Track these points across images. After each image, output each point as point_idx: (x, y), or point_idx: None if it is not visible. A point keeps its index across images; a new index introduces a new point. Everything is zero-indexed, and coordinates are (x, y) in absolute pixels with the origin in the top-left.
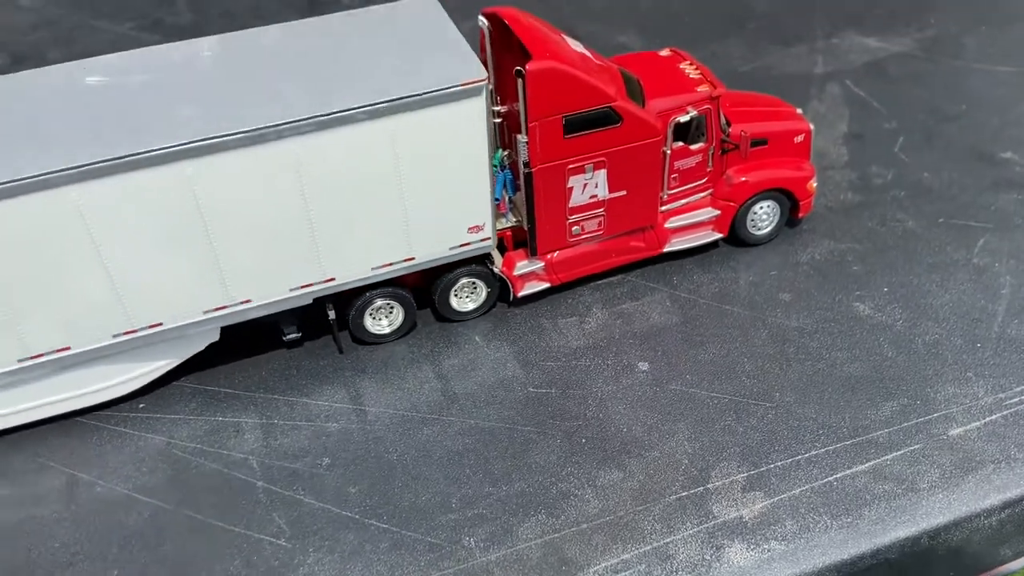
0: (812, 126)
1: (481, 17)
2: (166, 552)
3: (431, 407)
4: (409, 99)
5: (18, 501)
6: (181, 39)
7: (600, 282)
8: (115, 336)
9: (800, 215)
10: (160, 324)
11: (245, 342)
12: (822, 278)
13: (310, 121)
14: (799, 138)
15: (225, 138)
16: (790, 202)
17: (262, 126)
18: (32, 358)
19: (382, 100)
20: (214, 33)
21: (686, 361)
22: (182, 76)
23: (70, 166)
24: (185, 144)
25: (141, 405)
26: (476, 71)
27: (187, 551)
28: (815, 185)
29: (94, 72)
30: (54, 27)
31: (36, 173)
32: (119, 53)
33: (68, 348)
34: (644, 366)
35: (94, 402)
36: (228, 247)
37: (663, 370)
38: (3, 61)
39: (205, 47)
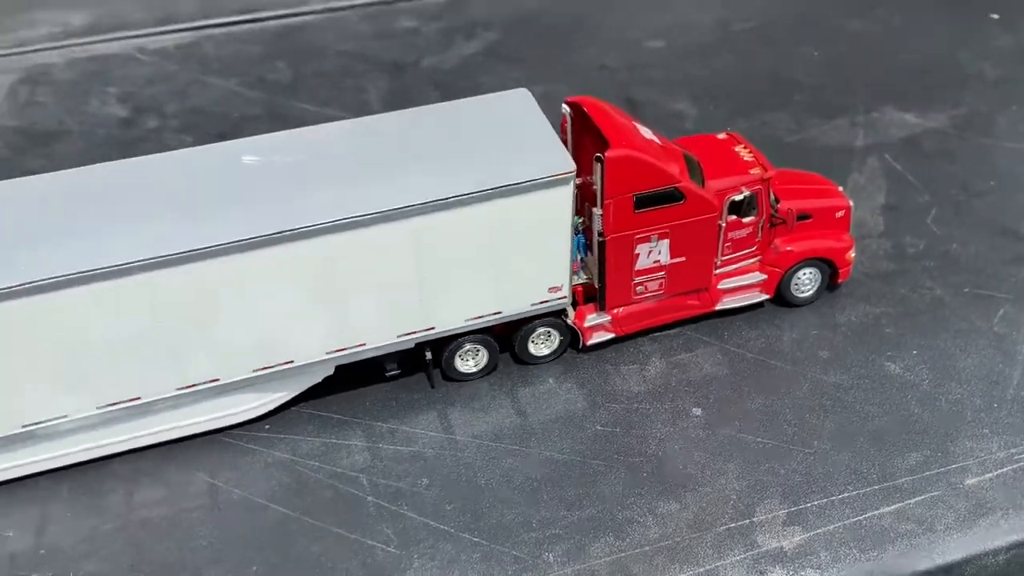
0: (852, 203)
1: (564, 105)
2: (295, 553)
3: (512, 439)
4: (512, 186)
5: (171, 503)
6: (279, 97)
7: (659, 335)
8: (254, 371)
9: (839, 281)
10: (291, 362)
11: (353, 375)
12: (858, 339)
13: (430, 204)
14: (840, 213)
15: (361, 218)
16: (830, 269)
17: (392, 208)
18: (188, 387)
19: (490, 188)
20: (308, 90)
21: (735, 409)
22: (320, 158)
23: (238, 239)
24: (329, 222)
25: (267, 426)
26: (566, 164)
27: (312, 553)
28: (853, 255)
29: (249, 152)
30: (170, 81)
31: (211, 244)
32: (267, 135)
33: (217, 379)
34: (697, 411)
35: (232, 423)
36: (352, 302)
37: (714, 416)
38: (127, 112)
39: (336, 132)
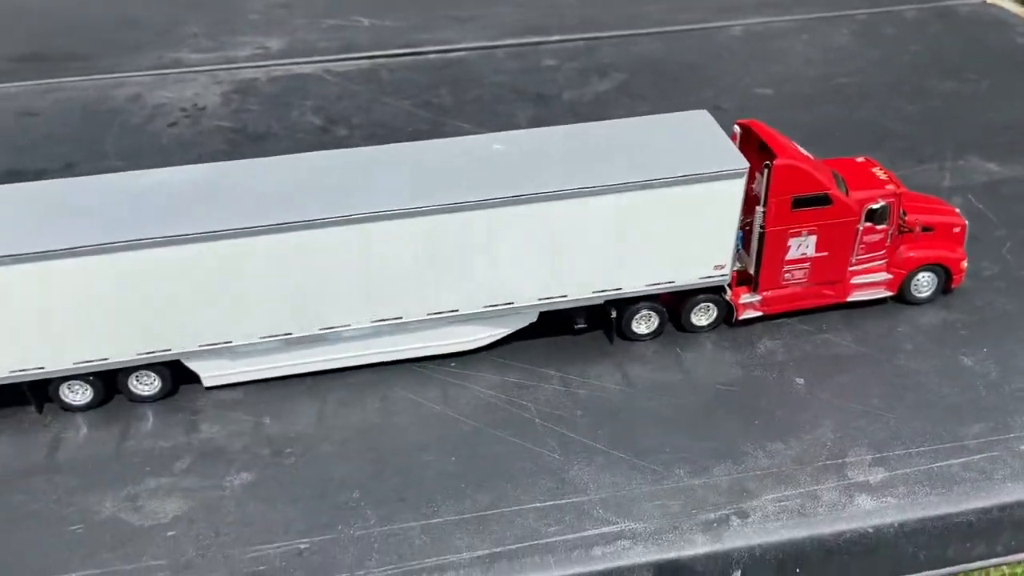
0: (967, 221)
1: (735, 126)
2: (485, 451)
3: (653, 389)
4: (699, 175)
5: (393, 412)
6: (443, 117)
7: (777, 321)
8: (484, 307)
9: (953, 286)
10: (512, 303)
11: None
12: (937, 337)
13: (634, 184)
14: (956, 229)
15: (582, 189)
16: (945, 275)
17: (606, 184)
18: (435, 314)
19: (681, 175)
20: (467, 113)
21: (831, 381)
22: (548, 149)
23: (498, 197)
24: (561, 191)
25: (452, 364)
26: (742, 162)
27: (495, 452)
28: (966, 265)
29: (497, 143)
30: (354, 99)
31: (480, 199)
32: (506, 132)
33: (456, 310)
34: (800, 380)
35: (457, 350)
36: (566, 259)
37: (814, 385)
38: (321, 122)
39: (558, 132)
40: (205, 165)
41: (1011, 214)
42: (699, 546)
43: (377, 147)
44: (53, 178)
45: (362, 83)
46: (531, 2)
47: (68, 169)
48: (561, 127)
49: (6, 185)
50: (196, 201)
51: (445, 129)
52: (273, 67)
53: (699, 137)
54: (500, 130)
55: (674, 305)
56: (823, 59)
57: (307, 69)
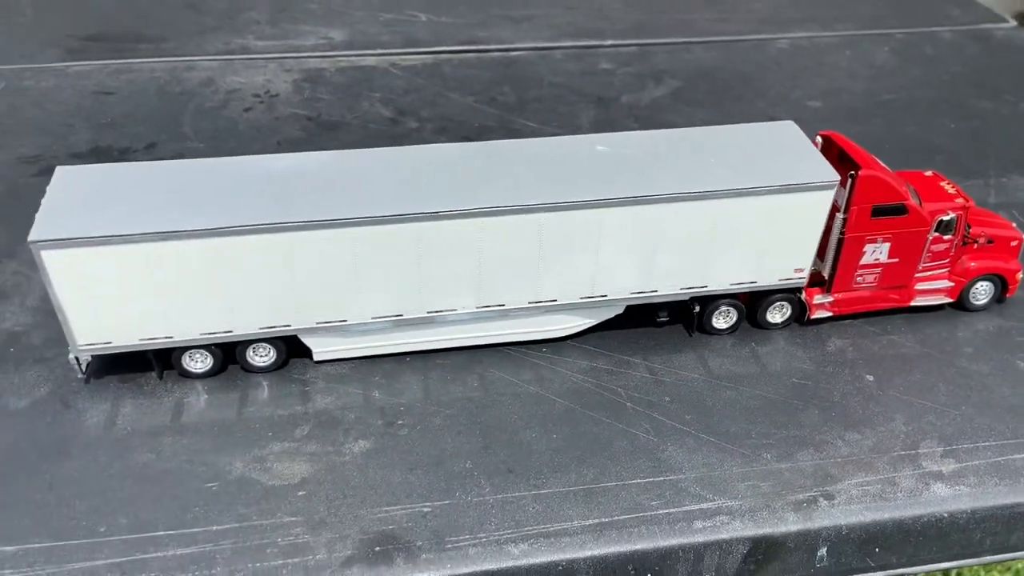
0: None
1: (818, 136)
2: (582, 430)
3: (733, 379)
4: (792, 186)
5: (493, 389)
6: (508, 114)
7: (852, 321)
8: (580, 298)
9: (1007, 296)
10: (605, 296)
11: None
12: (994, 342)
13: (731, 191)
14: (1014, 243)
15: (684, 194)
16: (1002, 285)
17: (706, 190)
18: (536, 303)
19: (783, 183)
20: (531, 112)
21: (900, 379)
22: (648, 152)
23: (604, 198)
24: (663, 195)
25: (544, 349)
26: (833, 175)
27: (593, 432)
28: (1021, 276)
29: (600, 144)
30: (420, 92)
31: (591, 199)
32: (610, 134)
33: (555, 300)
34: (870, 378)
35: (552, 336)
36: (661, 257)
37: (883, 382)
38: (391, 113)
39: (657, 136)
40: (327, 153)
41: None
42: (790, 524)
43: (488, 143)
44: (138, 157)
45: (426, 77)
46: (581, 5)
47: (151, 149)
48: (659, 131)
49: (130, 163)
50: (325, 189)
51: (512, 126)
52: (339, 58)
53: (790, 148)
54: (565, 129)
55: (751, 302)
56: (867, 75)
57: (371, 61)
